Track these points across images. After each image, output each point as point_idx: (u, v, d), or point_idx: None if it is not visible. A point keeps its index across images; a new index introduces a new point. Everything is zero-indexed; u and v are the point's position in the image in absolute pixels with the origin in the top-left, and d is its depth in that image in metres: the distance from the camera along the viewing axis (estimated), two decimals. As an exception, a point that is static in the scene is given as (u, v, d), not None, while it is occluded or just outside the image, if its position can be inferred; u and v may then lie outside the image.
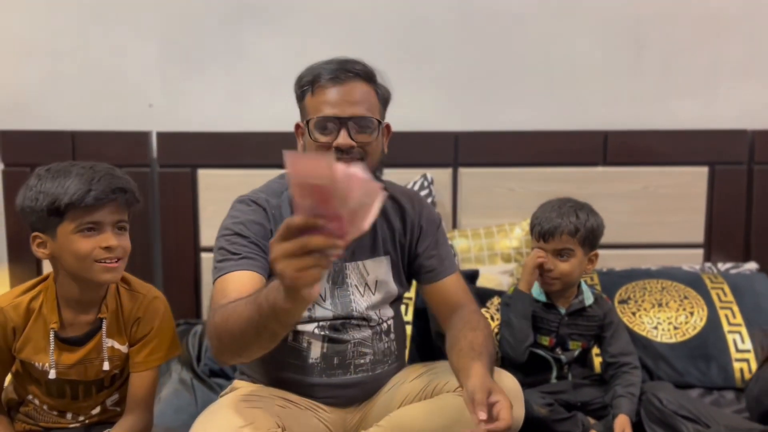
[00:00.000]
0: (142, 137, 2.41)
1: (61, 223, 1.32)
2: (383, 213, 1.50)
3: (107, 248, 1.34)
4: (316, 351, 1.45)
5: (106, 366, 1.42)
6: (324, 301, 1.45)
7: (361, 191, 0.90)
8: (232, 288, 1.29)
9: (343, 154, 1.36)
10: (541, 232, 1.72)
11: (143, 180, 2.41)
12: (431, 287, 1.53)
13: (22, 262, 2.36)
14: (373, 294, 1.49)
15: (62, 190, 1.31)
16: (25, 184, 1.36)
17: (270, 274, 1.35)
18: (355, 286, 1.48)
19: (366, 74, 1.40)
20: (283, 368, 1.46)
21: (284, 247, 0.92)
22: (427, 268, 1.53)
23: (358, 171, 0.91)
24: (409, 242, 1.53)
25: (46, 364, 1.40)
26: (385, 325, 1.51)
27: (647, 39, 2.48)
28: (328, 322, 1.45)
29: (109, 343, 1.43)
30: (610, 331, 1.78)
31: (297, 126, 1.48)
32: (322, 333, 1.45)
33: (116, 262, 1.36)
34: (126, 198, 1.37)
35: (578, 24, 2.47)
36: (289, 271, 0.92)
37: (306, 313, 1.44)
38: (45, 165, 1.39)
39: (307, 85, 1.40)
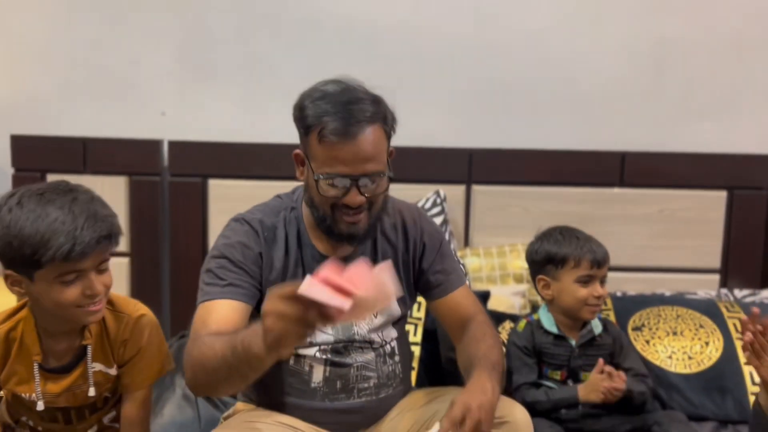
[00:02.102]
0: (153, 145, 2.40)
1: (40, 270, 1.22)
2: (383, 232, 1.48)
3: (91, 295, 1.26)
4: (318, 375, 1.43)
5: (92, 392, 1.36)
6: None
7: (375, 294, 1.00)
8: (214, 319, 1.29)
9: (351, 209, 1.33)
10: (596, 260, 1.71)
11: (153, 188, 2.41)
12: (439, 303, 1.51)
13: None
14: (375, 317, 1.46)
15: (42, 243, 1.18)
16: None
17: (253, 300, 1.37)
18: None
19: (374, 116, 1.31)
20: (285, 393, 1.44)
21: (282, 309, 1.00)
22: (434, 284, 1.50)
23: (382, 274, 1.00)
24: (412, 259, 1.51)
25: (33, 395, 1.35)
26: (388, 347, 1.48)
27: (669, 60, 2.44)
28: (330, 346, 1.43)
29: (96, 367, 1.37)
30: (621, 356, 1.76)
31: (297, 155, 1.40)
32: (324, 357, 1.42)
33: (99, 303, 1.29)
34: (111, 243, 1.27)
35: (599, 43, 2.44)
36: (278, 330, 1.01)
37: (306, 339, 1.42)
38: (14, 191, 1.26)
39: (313, 126, 1.31)
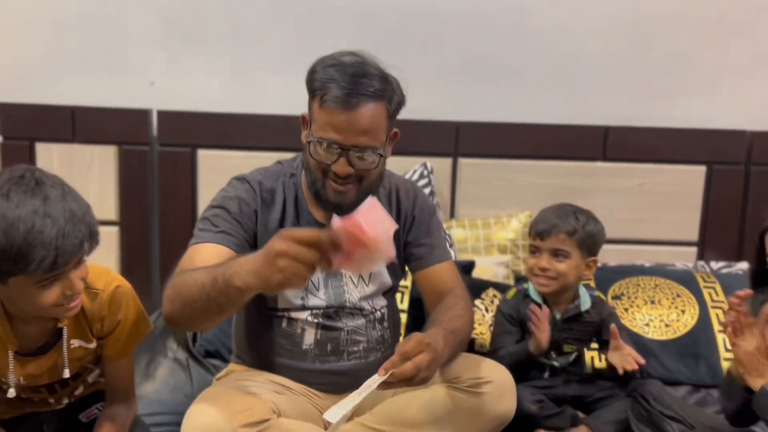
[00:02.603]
0: (142, 115, 2.40)
1: (16, 277, 1.13)
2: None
3: (71, 295, 1.20)
4: (309, 337, 1.47)
5: (66, 374, 1.32)
6: (317, 290, 1.47)
7: (377, 254, 1.09)
8: (201, 258, 1.30)
9: (339, 178, 1.36)
10: (537, 230, 1.72)
11: (143, 158, 2.41)
12: (421, 274, 1.55)
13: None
14: (367, 285, 1.50)
15: (20, 257, 1.09)
16: None
17: (243, 251, 1.33)
18: (350, 277, 1.49)
19: (378, 93, 1.33)
20: (277, 354, 1.48)
21: (299, 251, 1.04)
22: (417, 256, 1.54)
23: (387, 235, 1.11)
24: (402, 231, 1.54)
25: (12, 379, 1.30)
26: (378, 313, 1.53)
27: (652, 36, 2.47)
28: (322, 310, 1.47)
29: (75, 344, 1.33)
30: (607, 333, 1.74)
31: (303, 117, 1.45)
32: (316, 320, 1.47)
33: (77, 298, 1.22)
34: (93, 242, 1.18)
35: (584, 18, 2.46)
36: (289, 271, 1.04)
37: (299, 302, 1.46)
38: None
39: (318, 90, 1.34)
